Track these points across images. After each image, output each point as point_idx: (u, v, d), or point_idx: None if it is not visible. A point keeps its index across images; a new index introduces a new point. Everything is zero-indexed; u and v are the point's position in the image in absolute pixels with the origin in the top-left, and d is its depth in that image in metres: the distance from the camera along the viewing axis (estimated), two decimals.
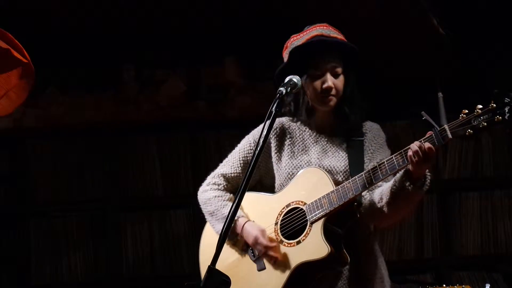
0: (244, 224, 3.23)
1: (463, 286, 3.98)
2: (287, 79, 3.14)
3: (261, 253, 3.17)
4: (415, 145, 2.88)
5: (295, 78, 3.14)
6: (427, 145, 2.86)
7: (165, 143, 5.57)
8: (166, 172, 5.56)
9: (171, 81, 5.68)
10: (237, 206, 2.83)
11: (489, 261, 5.43)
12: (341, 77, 3.23)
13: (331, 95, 3.22)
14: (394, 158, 2.97)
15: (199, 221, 5.40)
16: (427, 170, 2.97)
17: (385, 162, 2.98)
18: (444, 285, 4.03)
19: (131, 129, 5.59)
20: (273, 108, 3.04)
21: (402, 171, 2.96)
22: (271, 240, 3.16)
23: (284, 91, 3.09)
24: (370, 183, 3.01)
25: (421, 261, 5.45)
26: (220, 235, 2.78)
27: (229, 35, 5.35)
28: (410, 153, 2.88)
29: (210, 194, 3.40)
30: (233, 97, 5.66)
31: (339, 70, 3.23)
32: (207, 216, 3.41)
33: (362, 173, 3.03)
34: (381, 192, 3.05)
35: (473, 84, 5.13)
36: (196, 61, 5.68)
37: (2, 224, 5.49)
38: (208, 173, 5.39)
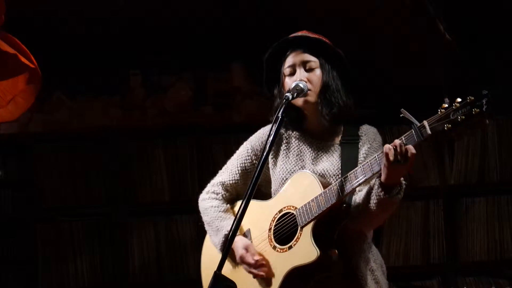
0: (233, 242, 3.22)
1: None
2: (293, 85, 3.15)
3: (247, 270, 3.17)
4: (394, 142, 2.85)
5: (301, 84, 3.15)
6: (411, 151, 2.81)
7: (171, 148, 5.58)
8: (172, 177, 5.56)
9: (178, 86, 5.69)
10: (240, 218, 2.88)
11: (496, 267, 5.42)
12: (317, 72, 3.20)
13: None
14: (376, 156, 2.93)
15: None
16: (402, 179, 2.94)
17: (368, 161, 2.95)
18: None
19: (137, 135, 5.60)
20: (279, 114, 3.05)
21: (377, 178, 2.93)
22: (259, 253, 3.16)
23: (290, 97, 3.10)
24: (354, 184, 2.97)
25: (427, 266, 5.43)
26: (225, 243, 2.80)
27: (235, 40, 5.36)
28: (386, 149, 2.85)
29: (208, 204, 3.41)
30: (240, 102, 5.67)
31: (313, 64, 3.20)
32: (205, 225, 3.42)
33: (348, 173, 3.00)
34: (358, 198, 3.04)
35: (480, 88, 5.12)
36: (203, 66, 5.69)
37: (9, 228, 5.50)
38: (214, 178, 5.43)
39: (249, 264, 3.15)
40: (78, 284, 5.47)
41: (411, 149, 2.83)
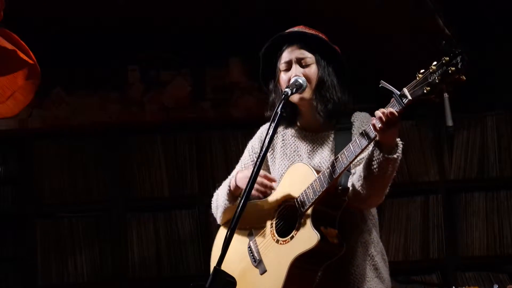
0: (235, 181, 3.23)
1: (471, 287, 3.96)
2: (292, 80, 3.15)
3: (261, 189, 3.16)
4: (378, 112, 2.86)
5: (301, 79, 3.15)
6: (388, 110, 2.83)
7: (170, 144, 5.58)
8: (171, 173, 5.56)
9: (176, 81, 5.69)
10: (239, 213, 2.88)
11: (495, 262, 5.42)
12: (312, 68, 3.21)
13: None
14: (364, 131, 2.94)
15: (205, 222, 5.45)
16: (398, 139, 2.94)
17: (356, 138, 2.95)
18: (453, 287, 4.00)
19: (136, 130, 5.59)
20: (279, 109, 3.05)
21: (373, 143, 2.93)
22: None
23: (289, 92, 3.10)
24: (345, 163, 2.96)
25: (427, 261, 5.44)
26: (225, 239, 2.80)
27: (234, 35, 5.35)
28: (373, 121, 2.86)
29: (215, 193, 3.41)
30: (238, 98, 5.66)
31: (308, 60, 3.21)
32: (215, 211, 3.39)
33: (338, 155, 2.99)
34: (359, 170, 3.03)
35: (478, 84, 5.12)
36: (201, 61, 5.68)
37: (8, 224, 5.49)
38: (213, 174, 5.46)
39: (262, 176, 3.14)
40: (78, 280, 5.47)
41: (392, 112, 2.83)
